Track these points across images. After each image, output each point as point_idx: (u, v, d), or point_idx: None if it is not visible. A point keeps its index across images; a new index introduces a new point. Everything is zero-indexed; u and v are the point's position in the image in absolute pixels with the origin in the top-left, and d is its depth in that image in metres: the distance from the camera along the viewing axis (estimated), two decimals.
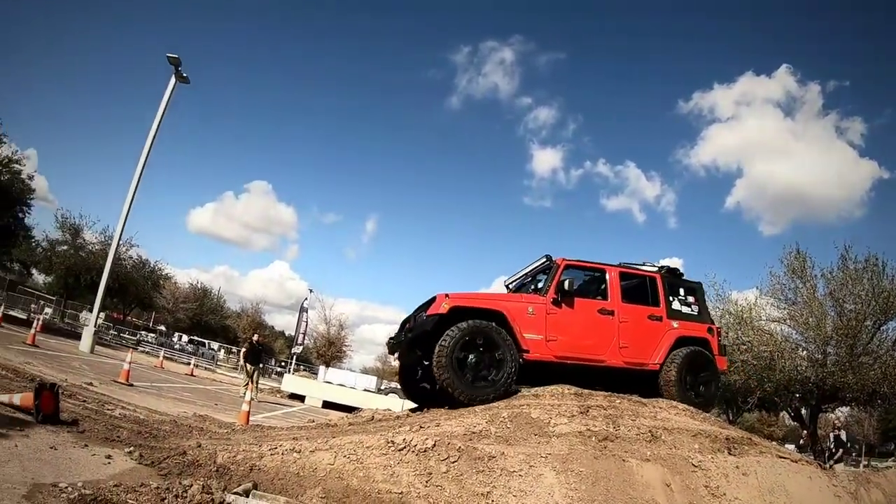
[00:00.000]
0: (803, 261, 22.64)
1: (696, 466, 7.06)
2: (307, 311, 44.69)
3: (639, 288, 10.30)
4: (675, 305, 10.37)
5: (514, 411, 7.84)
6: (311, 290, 49.74)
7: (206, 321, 68.31)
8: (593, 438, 7.16)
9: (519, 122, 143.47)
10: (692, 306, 10.65)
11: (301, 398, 29.86)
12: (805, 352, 22.53)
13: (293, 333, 47.73)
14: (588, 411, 8.09)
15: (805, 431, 25.73)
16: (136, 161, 25.36)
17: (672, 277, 10.66)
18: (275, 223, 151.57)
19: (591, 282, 10.31)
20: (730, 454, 7.75)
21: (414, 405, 10.85)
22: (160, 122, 25.57)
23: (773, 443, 10.74)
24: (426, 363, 8.89)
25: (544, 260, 10.13)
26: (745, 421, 36.51)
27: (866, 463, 52.82)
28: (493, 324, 8.64)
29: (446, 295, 8.74)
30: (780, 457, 8.15)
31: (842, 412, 31.52)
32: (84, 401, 9.59)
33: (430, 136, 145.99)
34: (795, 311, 22.60)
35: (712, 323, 10.90)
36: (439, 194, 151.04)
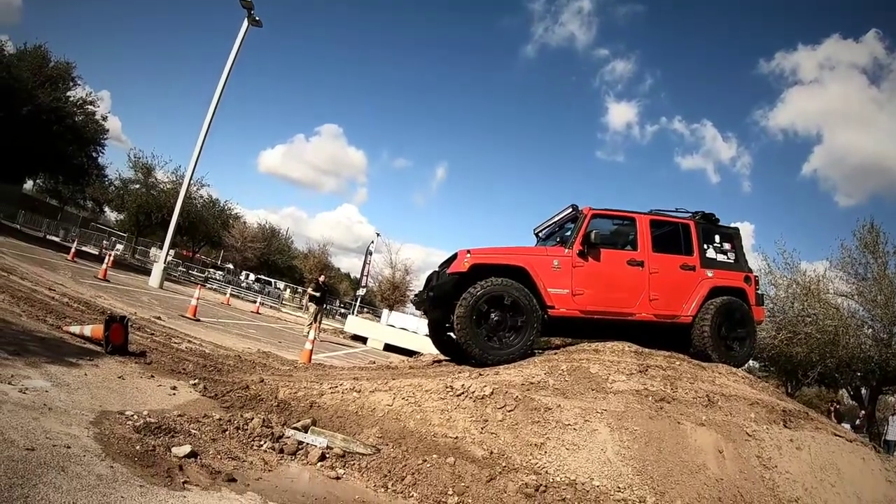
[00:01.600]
0: (876, 236, 22.00)
1: (749, 435, 7.00)
2: (372, 255, 45.27)
3: (671, 236, 9.91)
4: (710, 253, 9.96)
5: (573, 365, 7.83)
6: (378, 234, 50.33)
7: (273, 261, 69.21)
8: (650, 398, 7.12)
9: (595, 74, 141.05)
10: (728, 254, 10.21)
11: (363, 340, 30.10)
12: (871, 330, 22.04)
13: (358, 276, 48.35)
14: (647, 370, 8.04)
15: (863, 412, 25.24)
16: (209, 102, 25.72)
17: (707, 224, 10.22)
18: (344, 166, 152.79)
19: (619, 231, 9.90)
20: (785, 426, 7.66)
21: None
22: (232, 64, 25.82)
23: (831, 420, 10.58)
24: (452, 318, 8.63)
25: (570, 210, 9.79)
26: (803, 395, 35.88)
27: None
28: (514, 282, 8.44)
29: (468, 251, 8.58)
30: (836, 434, 8.02)
31: None
32: (152, 334, 9.91)
33: (504, 85, 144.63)
34: (864, 287, 22.07)
35: (750, 271, 10.46)
36: (511, 144, 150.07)
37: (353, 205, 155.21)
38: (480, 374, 7.40)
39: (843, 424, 23.89)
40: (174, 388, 6.48)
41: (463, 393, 6.34)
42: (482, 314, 8.26)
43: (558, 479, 5.58)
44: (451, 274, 8.53)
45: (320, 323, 23.07)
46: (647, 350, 8.85)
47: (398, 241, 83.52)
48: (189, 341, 10.35)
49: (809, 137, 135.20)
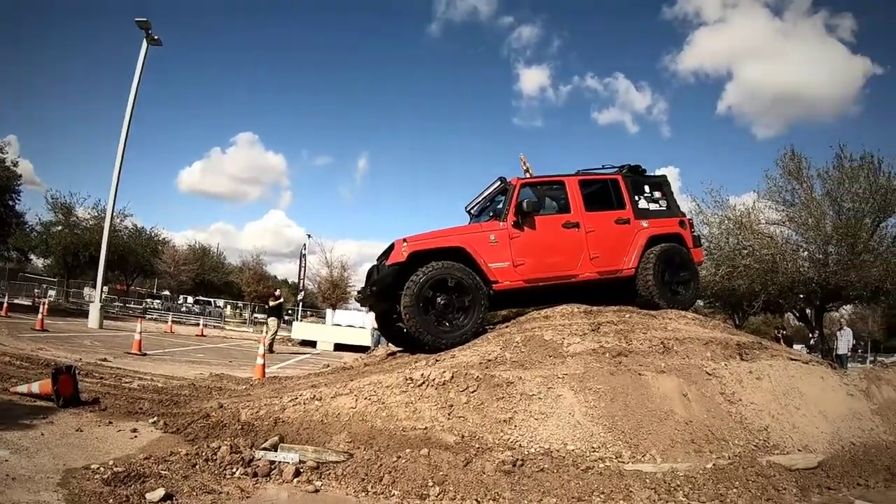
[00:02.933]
0: (799, 162, 22.49)
1: (710, 374, 7.14)
2: (306, 257, 45.31)
3: (602, 193, 10.07)
4: (642, 204, 10.15)
5: (527, 335, 7.91)
6: (309, 236, 50.75)
7: (208, 280, 68.16)
8: (607, 355, 7.22)
9: (502, 43, 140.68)
10: (660, 202, 10.44)
11: (312, 344, 30.02)
12: (806, 252, 22.54)
13: (296, 280, 48.27)
14: (599, 328, 8.16)
15: (816, 332, 25.98)
16: (119, 130, 25.12)
17: (634, 176, 10.50)
18: (265, 172, 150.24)
19: (551, 196, 9.99)
20: (742, 360, 7.83)
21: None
22: (137, 88, 25.14)
23: (782, 344, 10.83)
24: (399, 309, 8.63)
25: (499, 183, 9.83)
26: (750, 324, 36.89)
27: (872, 359, 53.88)
28: (455, 263, 8.51)
29: (404, 240, 8.56)
30: (791, 359, 8.23)
31: (846, 310, 31.76)
32: (101, 378, 9.68)
33: (413, 67, 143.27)
34: (794, 213, 22.56)
35: (683, 215, 10.73)
36: (428, 124, 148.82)
37: (280, 210, 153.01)
38: (437, 360, 7.41)
39: (795, 347, 24.70)
40: (135, 430, 6.33)
41: (424, 382, 6.33)
42: (428, 300, 8.27)
43: (533, 450, 5.62)
44: (391, 265, 8.52)
45: (275, 336, 23.03)
46: (595, 308, 9.01)
47: (331, 240, 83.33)
48: (140, 378, 10.13)
49: (720, 76, 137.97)
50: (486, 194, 10.31)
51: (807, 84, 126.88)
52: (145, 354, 15.14)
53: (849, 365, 21.16)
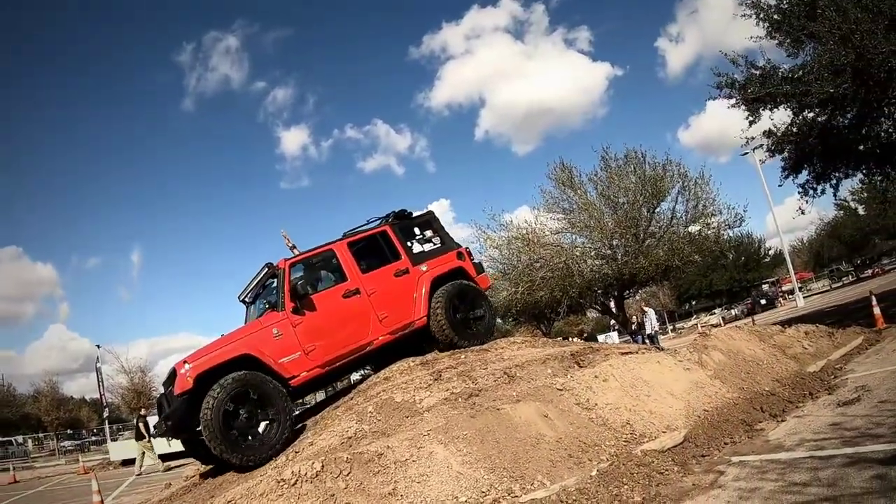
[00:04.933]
0: (570, 171, 23.96)
1: (560, 389, 7.40)
2: (101, 370, 42.64)
3: (374, 249, 9.89)
4: (416, 248, 10.09)
5: (377, 402, 7.84)
6: (98, 346, 47.03)
7: (2, 417, 62.67)
8: (460, 400, 7.30)
9: (258, 108, 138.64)
10: (433, 240, 10.44)
11: (132, 461, 27.73)
12: (595, 252, 23.90)
13: (96, 397, 45.26)
14: (441, 376, 8.25)
15: (634, 318, 27.63)
16: None
17: (401, 222, 10.30)
18: (36, 286, 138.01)
19: (324, 268, 9.77)
20: (581, 367, 8.20)
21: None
22: None
23: (605, 343, 11.41)
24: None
25: (267, 269, 9.32)
26: (554, 329, 38.59)
27: (672, 327, 58.21)
28: (243, 373, 7.84)
29: (185, 362, 7.90)
30: (624, 353, 8.73)
31: (640, 293, 33.95)
32: None
33: (171, 147, 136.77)
34: (574, 219, 23.91)
35: (459, 246, 10.60)
36: (197, 203, 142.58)
37: (60, 323, 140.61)
38: (297, 452, 7.22)
39: (612, 335, 26.05)
40: None
41: (296, 480, 6.09)
42: (231, 420, 7.63)
43: None
44: (180, 395, 7.82)
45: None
46: (430, 356, 9.12)
47: (122, 344, 79.28)
48: None
49: (473, 104, 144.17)
50: (255, 282, 9.75)
51: (555, 96, 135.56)
52: None
53: (659, 339, 22.70)
